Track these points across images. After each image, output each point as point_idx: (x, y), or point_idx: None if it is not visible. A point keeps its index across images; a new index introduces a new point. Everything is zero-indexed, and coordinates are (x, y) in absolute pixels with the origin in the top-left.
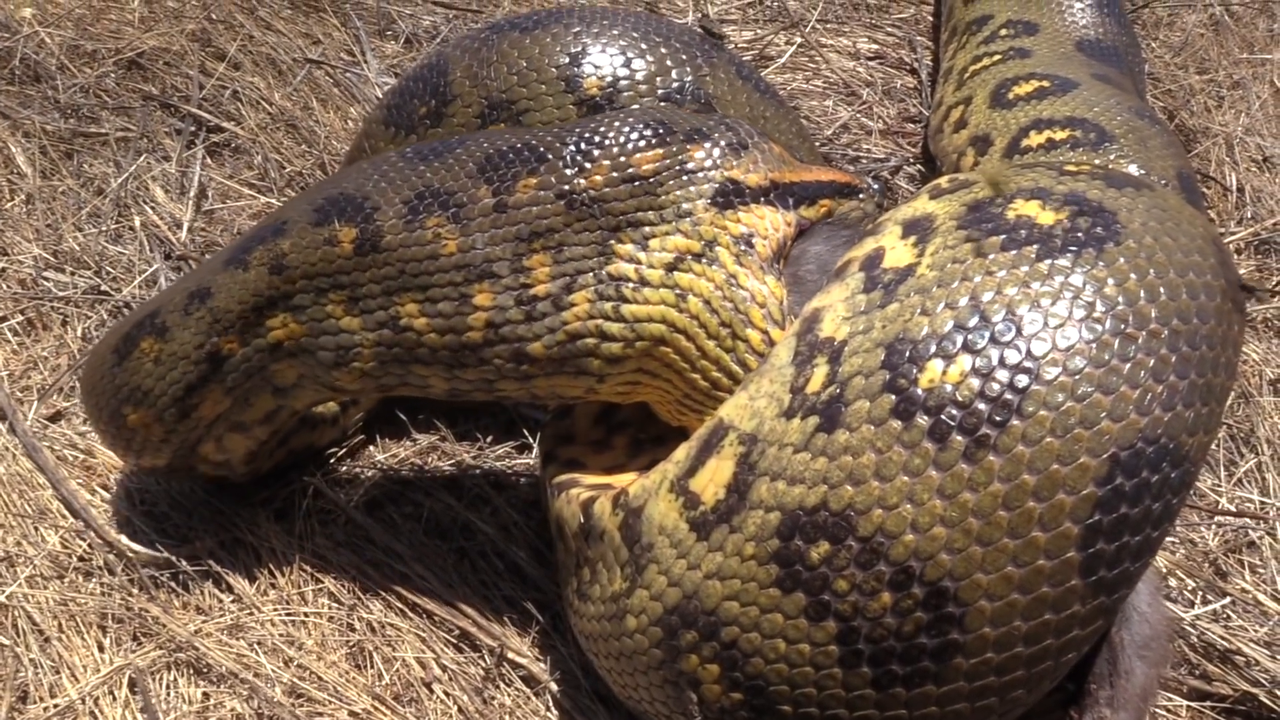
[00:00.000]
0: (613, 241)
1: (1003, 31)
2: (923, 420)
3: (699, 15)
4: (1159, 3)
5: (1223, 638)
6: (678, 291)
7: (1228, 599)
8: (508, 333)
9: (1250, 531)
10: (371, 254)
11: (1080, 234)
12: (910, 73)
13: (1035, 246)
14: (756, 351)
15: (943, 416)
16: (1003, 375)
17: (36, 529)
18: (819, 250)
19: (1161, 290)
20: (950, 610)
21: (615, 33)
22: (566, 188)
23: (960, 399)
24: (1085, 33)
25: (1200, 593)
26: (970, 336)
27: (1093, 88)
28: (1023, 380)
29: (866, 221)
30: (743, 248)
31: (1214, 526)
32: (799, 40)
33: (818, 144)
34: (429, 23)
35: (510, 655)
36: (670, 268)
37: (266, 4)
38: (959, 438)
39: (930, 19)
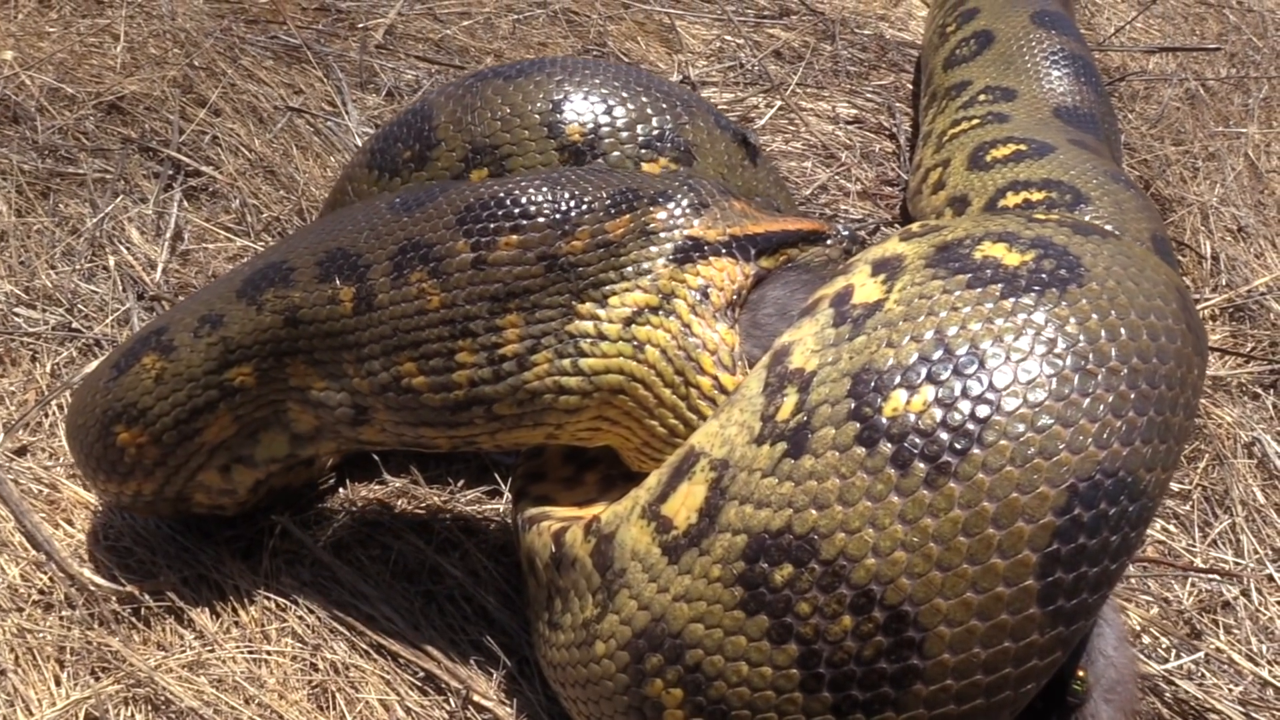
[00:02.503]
0: (575, 302)
1: (981, 97)
2: (886, 447)
3: (682, 77)
4: (1136, 76)
5: (1197, 695)
6: (635, 343)
7: (1201, 654)
8: (479, 393)
9: (1225, 592)
10: (368, 313)
11: (1044, 275)
12: (889, 138)
13: (1000, 285)
14: (707, 397)
15: (905, 444)
16: (964, 405)
17: None
18: (777, 295)
19: (1122, 330)
20: (910, 635)
21: (597, 81)
22: (548, 250)
23: (923, 427)
24: (1063, 99)
25: (1174, 650)
26: (934, 368)
27: (1069, 152)
28: (984, 410)
29: (832, 266)
30: (698, 298)
31: (1189, 585)
32: (779, 103)
33: (796, 203)
34: (411, 76)
35: (476, 698)
36: (628, 322)
37: (250, 53)
38: (921, 464)
39: (909, 86)
